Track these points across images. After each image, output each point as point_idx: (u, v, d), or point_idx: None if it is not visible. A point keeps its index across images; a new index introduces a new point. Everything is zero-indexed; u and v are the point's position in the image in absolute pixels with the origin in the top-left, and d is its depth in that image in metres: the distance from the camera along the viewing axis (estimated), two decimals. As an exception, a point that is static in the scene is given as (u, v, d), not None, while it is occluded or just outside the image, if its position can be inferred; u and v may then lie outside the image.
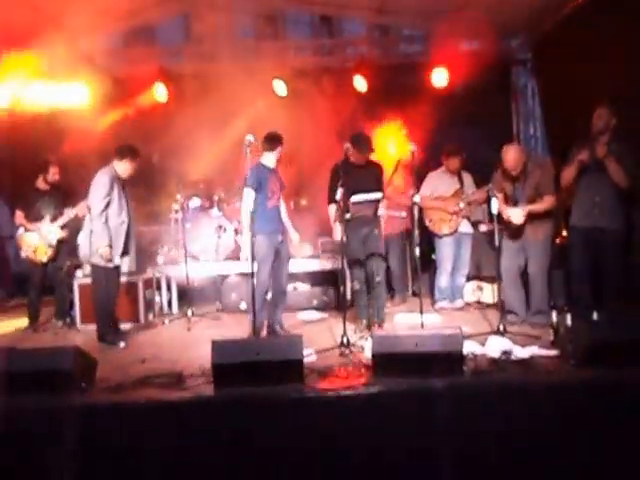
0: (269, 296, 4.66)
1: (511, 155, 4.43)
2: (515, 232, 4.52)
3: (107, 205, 4.48)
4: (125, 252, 4.68)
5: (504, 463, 2.84)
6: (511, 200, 4.52)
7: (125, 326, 5.04)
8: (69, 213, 5.29)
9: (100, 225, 4.44)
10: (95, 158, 5.91)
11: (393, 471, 2.88)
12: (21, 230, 5.34)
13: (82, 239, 4.72)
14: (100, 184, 4.49)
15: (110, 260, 4.50)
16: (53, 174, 5.39)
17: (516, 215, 4.43)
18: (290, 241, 4.78)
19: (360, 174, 4.37)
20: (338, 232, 4.30)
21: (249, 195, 4.38)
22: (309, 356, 3.54)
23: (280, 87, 6.78)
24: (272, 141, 4.54)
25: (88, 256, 4.58)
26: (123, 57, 7.18)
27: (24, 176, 5.72)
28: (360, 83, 6.90)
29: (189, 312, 5.30)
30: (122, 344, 4.51)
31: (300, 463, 2.88)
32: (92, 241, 4.47)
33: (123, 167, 4.62)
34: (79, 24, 5.39)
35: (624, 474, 2.81)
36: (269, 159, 4.59)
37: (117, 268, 4.66)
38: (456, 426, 2.88)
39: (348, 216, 4.12)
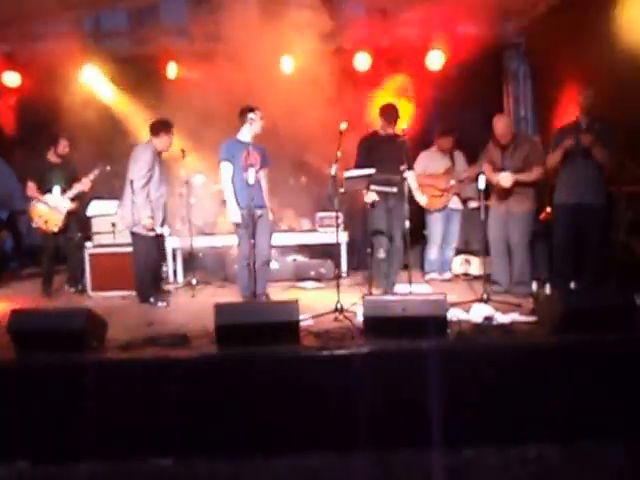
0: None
1: (501, 123, 4.59)
2: (501, 197, 4.61)
3: (149, 180, 4.61)
4: (164, 222, 4.88)
5: (482, 416, 3.01)
6: (498, 170, 4.62)
7: (132, 293, 5.17)
8: (78, 186, 5.41)
9: (142, 198, 4.59)
10: (103, 134, 6.00)
11: (381, 424, 3.04)
12: (33, 201, 5.44)
13: (123, 210, 4.83)
14: (143, 159, 4.62)
15: (152, 230, 4.68)
16: (63, 147, 5.47)
17: (505, 178, 4.53)
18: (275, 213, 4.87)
19: (388, 148, 4.43)
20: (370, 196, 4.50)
21: (226, 168, 4.50)
22: (306, 320, 3.68)
23: (288, 64, 6.79)
24: (240, 115, 4.55)
25: (131, 225, 4.72)
26: (128, 37, 7.18)
27: (35, 150, 5.80)
28: (360, 63, 6.93)
29: (194, 281, 5.45)
30: (163, 304, 4.71)
31: (295, 417, 3.04)
32: (134, 212, 4.62)
33: (161, 142, 4.75)
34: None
35: (585, 428, 2.98)
36: (243, 133, 4.61)
37: (157, 237, 4.83)
38: (440, 383, 3.04)
39: (342, 190, 4.21)
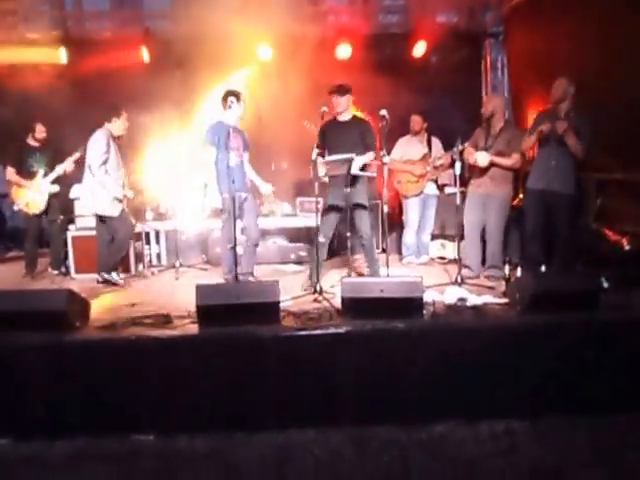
0: (240, 250, 4.64)
1: (492, 99, 4.84)
2: (479, 180, 4.64)
3: (105, 161, 4.59)
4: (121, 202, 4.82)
5: (453, 393, 3.07)
6: (481, 150, 4.62)
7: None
8: (59, 169, 5.30)
9: (103, 177, 4.58)
10: (77, 117, 5.86)
11: (357, 401, 3.08)
12: (14, 185, 5.32)
13: (84, 194, 4.78)
14: (98, 142, 4.61)
15: (121, 201, 4.70)
16: (40, 132, 5.36)
17: (482, 157, 4.55)
18: (260, 196, 4.86)
19: (343, 132, 4.31)
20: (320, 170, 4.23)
21: (211, 152, 4.47)
22: (286, 301, 3.68)
23: (265, 52, 6.70)
24: (223, 99, 4.52)
25: (92, 208, 4.71)
26: (109, 19, 7.00)
27: (13, 134, 5.64)
28: (342, 51, 6.87)
29: (177, 263, 5.41)
30: (121, 280, 4.72)
31: (275, 395, 3.06)
32: (96, 194, 4.60)
33: (115, 126, 4.73)
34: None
35: (553, 404, 3.06)
36: (227, 116, 4.58)
37: (120, 217, 4.76)
38: (415, 361, 3.09)
39: (323, 174, 4.18)
